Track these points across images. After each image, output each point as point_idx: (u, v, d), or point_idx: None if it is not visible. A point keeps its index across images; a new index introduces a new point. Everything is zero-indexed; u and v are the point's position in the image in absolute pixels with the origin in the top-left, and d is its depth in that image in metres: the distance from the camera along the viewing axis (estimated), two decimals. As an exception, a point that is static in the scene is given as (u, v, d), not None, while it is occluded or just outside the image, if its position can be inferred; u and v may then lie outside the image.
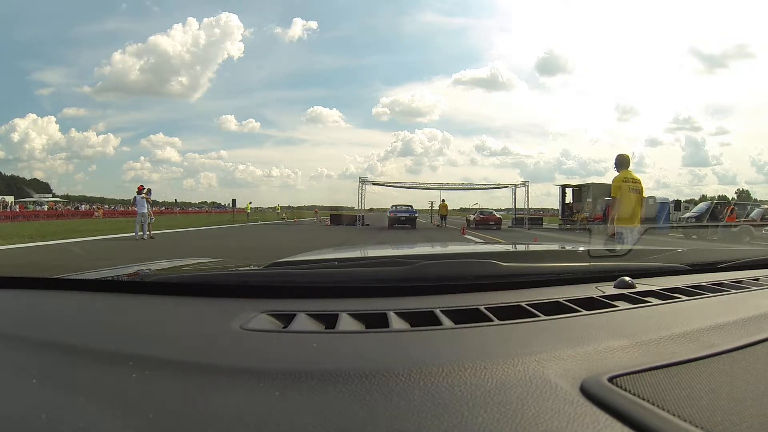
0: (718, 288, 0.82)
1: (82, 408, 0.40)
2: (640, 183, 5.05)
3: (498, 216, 23.24)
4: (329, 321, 0.61)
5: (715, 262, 1.09)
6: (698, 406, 0.38)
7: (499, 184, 28.72)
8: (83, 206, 51.13)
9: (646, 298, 0.74)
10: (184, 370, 0.46)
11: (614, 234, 4.80)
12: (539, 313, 0.64)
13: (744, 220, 14.97)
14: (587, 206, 22.25)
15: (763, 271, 1.01)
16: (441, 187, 27.24)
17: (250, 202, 39.80)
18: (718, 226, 15.38)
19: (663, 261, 1.11)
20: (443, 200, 25.96)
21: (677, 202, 20.75)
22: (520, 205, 26.71)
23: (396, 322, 0.60)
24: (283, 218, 36.14)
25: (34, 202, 47.09)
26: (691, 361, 0.47)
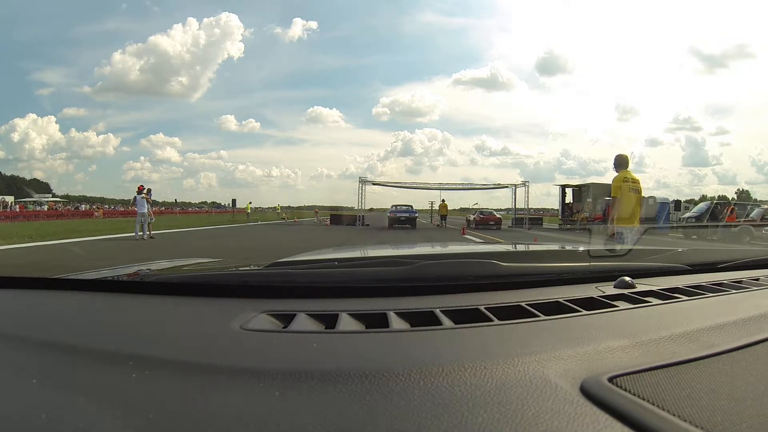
0: (718, 288, 0.82)
1: (82, 408, 0.40)
2: (639, 183, 5.08)
3: (498, 216, 23.24)
4: (329, 321, 0.61)
5: (715, 262, 1.09)
6: (698, 406, 0.38)
7: (499, 184, 28.75)
8: (83, 206, 51.13)
9: (646, 298, 0.74)
10: (184, 370, 0.46)
11: (614, 234, 4.81)
12: (539, 313, 0.64)
13: (744, 220, 14.98)
14: (587, 206, 22.26)
15: (763, 271, 1.01)
16: (441, 187, 27.25)
17: (250, 202, 39.87)
18: (718, 226, 15.39)
19: (663, 261, 1.11)
20: (443, 200, 26.00)
21: (677, 202, 20.75)
22: (520, 205, 26.74)
23: (396, 322, 0.60)
24: (283, 218, 36.14)
25: (34, 202, 47.09)
26: (691, 361, 0.47)
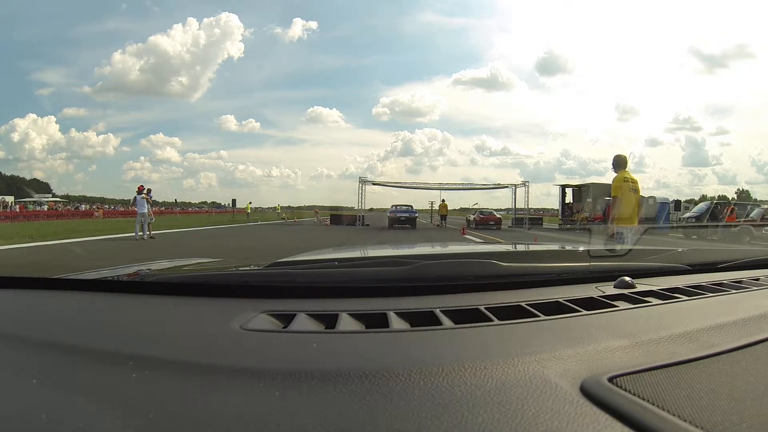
0: (718, 288, 0.82)
1: (82, 408, 0.40)
2: (638, 183, 5.12)
3: (498, 216, 23.23)
4: (329, 321, 0.61)
5: (715, 262, 1.09)
6: (698, 406, 0.38)
7: (499, 184, 28.74)
8: (83, 206, 51.14)
9: (646, 298, 0.74)
10: (184, 370, 0.46)
11: (614, 234, 4.83)
12: (539, 313, 0.64)
13: (744, 220, 14.97)
14: (587, 206, 22.26)
15: (763, 271, 1.01)
16: (441, 187, 27.25)
17: (250, 202, 39.87)
18: (718, 226, 15.39)
19: (663, 261, 1.11)
20: (443, 200, 25.99)
21: (677, 202, 20.74)
22: (520, 205, 26.74)
23: (396, 322, 0.60)
24: (283, 218, 36.14)
25: (34, 202, 47.10)
26: (691, 361, 0.47)
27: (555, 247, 1.62)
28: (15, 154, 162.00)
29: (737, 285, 0.86)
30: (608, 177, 5.44)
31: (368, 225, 23.03)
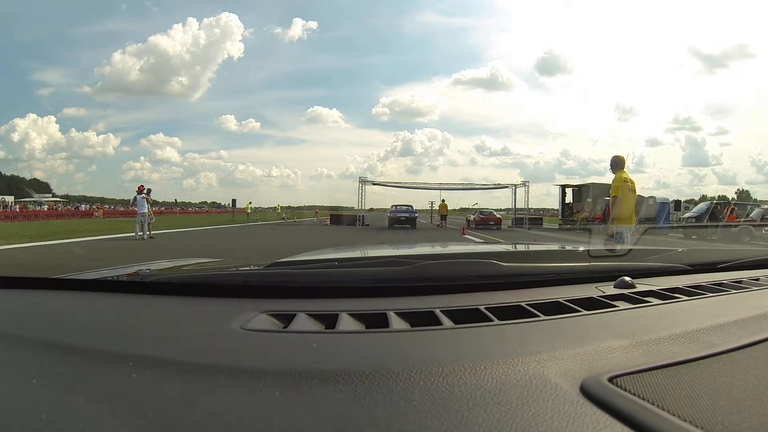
0: (718, 288, 0.82)
1: (82, 408, 0.40)
2: (635, 184, 5.15)
3: (498, 216, 23.22)
4: (329, 321, 0.61)
5: (715, 262, 1.09)
6: (698, 406, 0.38)
7: (499, 184, 28.74)
8: (83, 206, 51.16)
9: (646, 298, 0.74)
10: (184, 370, 0.46)
11: (614, 234, 4.84)
12: (539, 313, 0.64)
13: (744, 220, 14.98)
14: (587, 206, 22.26)
15: (763, 271, 1.01)
16: (441, 187, 27.26)
17: (250, 202, 39.85)
18: (718, 226, 15.39)
19: (663, 261, 1.11)
20: (443, 200, 25.99)
21: (677, 202, 20.74)
22: (520, 205, 26.74)
23: (396, 322, 0.60)
24: (283, 218, 36.13)
25: (34, 202, 47.12)
26: (691, 361, 0.47)
27: (555, 247, 1.62)
28: (15, 154, 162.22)
29: (737, 285, 0.86)
30: (608, 177, 5.49)
31: (368, 225, 23.03)
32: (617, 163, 5.17)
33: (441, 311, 0.63)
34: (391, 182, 29.04)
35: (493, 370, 0.44)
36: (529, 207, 28.06)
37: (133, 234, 11.54)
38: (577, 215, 22.81)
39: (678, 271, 1.00)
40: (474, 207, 27.30)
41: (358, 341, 0.55)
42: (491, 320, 0.60)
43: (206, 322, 0.64)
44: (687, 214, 17.98)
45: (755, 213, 15.53)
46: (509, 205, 27.90)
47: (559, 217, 25.72)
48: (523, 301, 0.69)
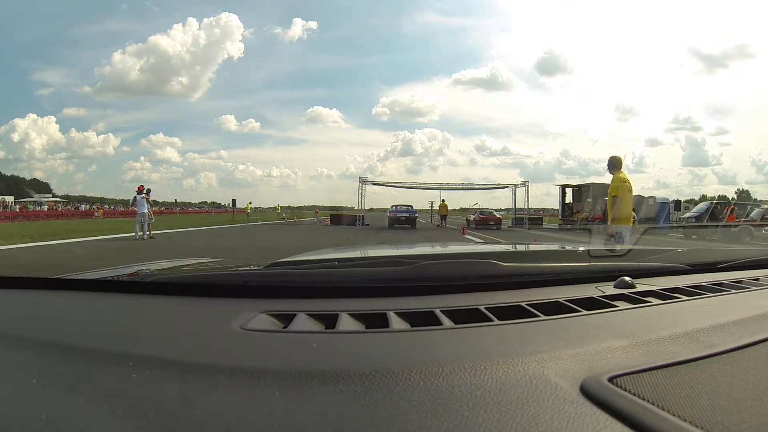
0: (718, 288, 0.82)
1: (82, 408, 0.40)
2: (632, 184, 5.20)
3: (498, 216, 23.22)
4: (329, 321, 0.61)
5: (715, 262, 1.09)
6: (698, 406, 0.38)
7: (499, 184, 28.74)
8: (83, 206, 51.17)
9: (646, 298, 0.74)
10: (184, 370, 0.46)
11: (614, 234, 4.86)
12: (539, 313, 0.64)
13: (744, 220, 14.98)
14: (587, 206, 22.27)
15: (763, 271, 1.01)
16: (441, 187, 27.26)
17: (250, 202, 39.83)
18: (718, 226, 15.39)
19: (663, 261, 1.11)
20: (443, 200, 26.00)
21: (677, 202, 20.76)
22: (520, 205, 26.74)
23: (396, 322, 0.60)
24: (283, 218, 36.13)
25: (34, 202, 47.12)
26: (691, 361, 0.47)
27: (555, 247, 1.62)
28: (15, 154, 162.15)
29: (737, 285, 0.86)
30: (608, 177, 5.53)
31: (368, 225, 23.03)
32: (615, 164, 5.20)
33: (441, 311, 0.63)
34: (391, 182, 29.08)
35: (493, 370, 0.44)
36: (529, 207, 28.09)
37: (133, 234, 11.54)
38: (577, 215, 22.81)
39: (678, 271, 1.00)
40: (474, 207, 27.30)
41: (358, 341, 0.55)
42: (491, 320, 0.60)
43: (206, 322, 0.64)
44: (687, 214, 17.99)
45: (755, 213, 15.53)
46: (509, 205, 27.95)
47: (559, 217, 25.73)
48: (523, 301, 0.69)
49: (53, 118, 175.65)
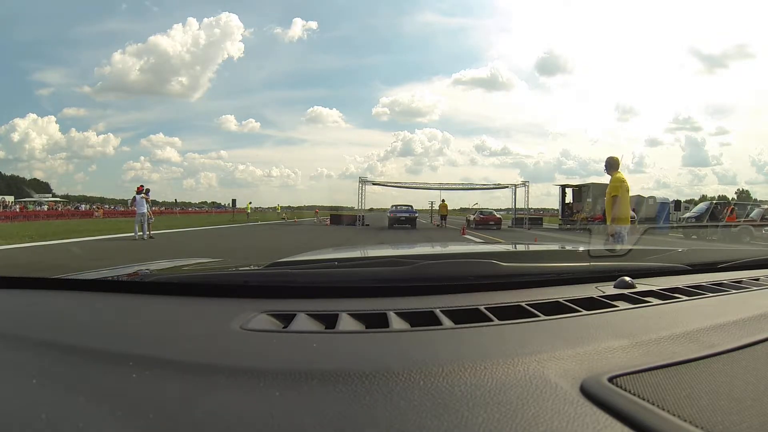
0: (718, 288, 0.82)
1: (82, 408, 0.40)
2: (629, 184, 5.25)
3: (498, 216, 23.22)
4: (329, 321, 0.61)
5: (715, 262, 1.09)
6: (698, 406, 0.38)
7: (499, 184, 28.74)
8: (83, 206, 51.16)
9: (646, 298, 0.74)
10: (184, 370, 0.46)
11: (614, 233, 4.89)
12: (539, 313, 0.64)
13: (744, 220, 14.98)
14: (587, 206, 22.27)
15: (763, 271, 1.01)
16: (441, 187, 27.26)
17: (250, 202, 39.83)
18: (718, 226, 15.39)
19: (663, 261, 1.11)
20: (443, 200, 25.99)
21: (677, 202, 20.77)
22: (520, 205, 26.74)
23: (396, 322, 0.60)
24: (283, 218, 36.14)
25: (34, 202, 47.12)
26: (691, 361, 0.47)
27: (555, 247, 1.62)
28: (15, 154, 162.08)
29: (737, 285, 0.86)
30: (608, 177, 5.57)
31: (368, 225, 23.03)
32: (612, 164, 5.24)
33: (441, 311, 0.63)
34: (391, 182, 29.08)
35: (493, 370, 0.44)
36: (529, 207, 28.09)
37: (133, 234, 11.54)
38: (577, 215, 22.82)
39: (678, 271, 1.00)
40: (474, 207, 27.30)
41: (358, 341, 0.55)
42: (491, 320, 0.60)
43: (206, 322, 0.64)
44: (687, 214, 17.99)
45: (755, 213, 15.53)
46: (509, 205, 27.95)
47: (559, 217, 25.73)
48: (523, 301, 0.69)
49: (53, 118, 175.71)
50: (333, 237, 14.57)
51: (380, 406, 0.38)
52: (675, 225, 17.48)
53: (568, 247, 1.44)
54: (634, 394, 0.39)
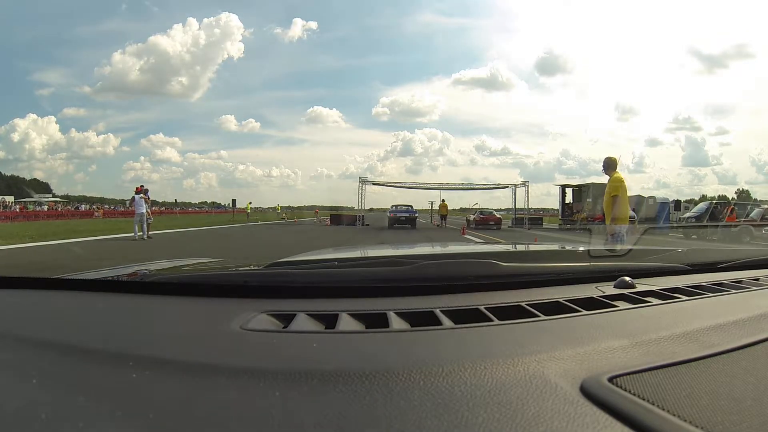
0: (718, 288, 0.82)
1: (82, 408, 0.40)
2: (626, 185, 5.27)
3: (498, 216, 23.22)
4: (329, 321, 0.61)
5: (715, 262, 1.09)
6: (698, 406, 0.38)
7: (499, 184, 28.74)
8: (83, 206, 51.17)
9: (646, 298, 0.74)
10: (184, 370, 0.46)
11: (614, 233, 4.89)
12: (539, 313, 0.64)
13: (744, 220, 14.98)
14: (587, 206, 22.27)
15: (763, 271, 1.01)
16: (441, 187, 27.28)
17: (250, 202, 39.82)
18: (718, 226, 15.39)
19: (663, 261, 1.11)
20: (443, 200, 26.01)
21: (677, 202, 20.78)
22: (520, 205, 26.76)
23: (396, 322, 0.60)
24: (283, 218, 36.13)
25: (34, 202, 47.12)
26: (691, 361, 0.47)
27: (555, 247, 1.62)
28: (15, 154, 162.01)
29: (737, 285, 0.86)
30: (607, 177, 5.59)
31: (368, 225, 23.03)
32: (610, 165, 5.26)
33: (441, 311, 0.63)
34: (391, 182, 29.10)
35: (494, 370, 0.44)
36: (529, 207, 28.10)
37: (132, 234, 11.54)
38: (577, 215, 22.81)
39: (678, 271, 1.00)
40: (474, 207, 27.31)
41: (358, 341, 0.55)
42: (491, 320, 0.60)
43: (206, 322, 0.64)
44: (687, 214, 17.99)
45: (755, 213, 15.52)
46: (509, 205, 27.96)
47: (559, 217, 25.73)
48: (523, 301, 0.69)
49: (53, 118, 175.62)
50: (333, 237, 14.57)
51: (380, 406, 0.38)
52: (675, 225, 17.49)
53: (568, 247, 1.44)
54: (634, 394, 0.39)
